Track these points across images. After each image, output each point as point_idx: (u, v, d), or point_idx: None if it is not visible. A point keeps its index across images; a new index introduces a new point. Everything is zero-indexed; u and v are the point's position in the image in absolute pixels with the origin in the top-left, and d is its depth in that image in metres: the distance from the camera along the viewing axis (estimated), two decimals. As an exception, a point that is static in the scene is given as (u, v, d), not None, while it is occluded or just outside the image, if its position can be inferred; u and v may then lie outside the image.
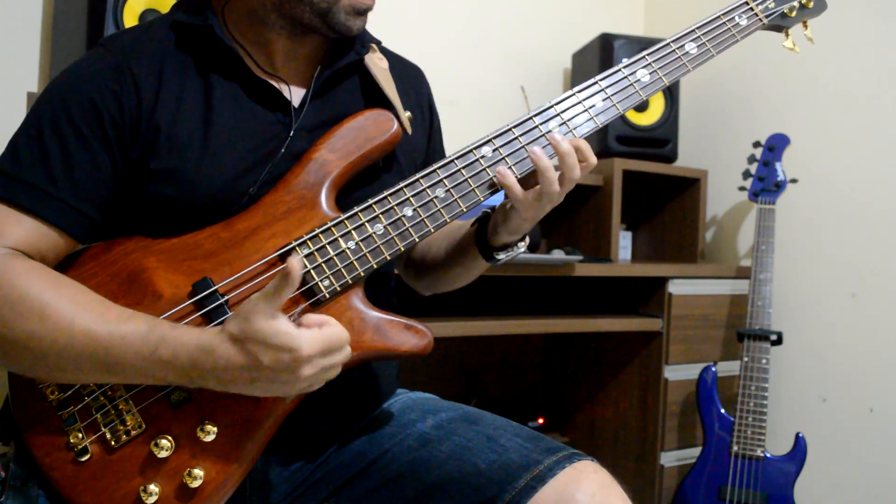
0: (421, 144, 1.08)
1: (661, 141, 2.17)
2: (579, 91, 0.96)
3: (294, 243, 0.86)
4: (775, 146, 2.00)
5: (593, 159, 0.93)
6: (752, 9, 1.03)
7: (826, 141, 2.01)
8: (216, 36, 0.89)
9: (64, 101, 0.85)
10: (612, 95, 0.96)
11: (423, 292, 1.19)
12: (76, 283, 0.82)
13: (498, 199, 0.97)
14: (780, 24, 1.06)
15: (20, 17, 1.64)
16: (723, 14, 1.02)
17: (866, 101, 1.92)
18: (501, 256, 1.00)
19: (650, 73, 0.97)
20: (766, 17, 1.03)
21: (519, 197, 0.91)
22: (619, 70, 0.97)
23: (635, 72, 0.97)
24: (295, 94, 0.95)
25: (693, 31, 1.00)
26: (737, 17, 1.02)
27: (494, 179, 0.91)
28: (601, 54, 2.14)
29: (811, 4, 1.06)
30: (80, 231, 0.85)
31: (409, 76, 1.10)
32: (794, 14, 1.05)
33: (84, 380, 0.81)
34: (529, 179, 0.92)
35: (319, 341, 0.76)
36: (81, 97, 0.85)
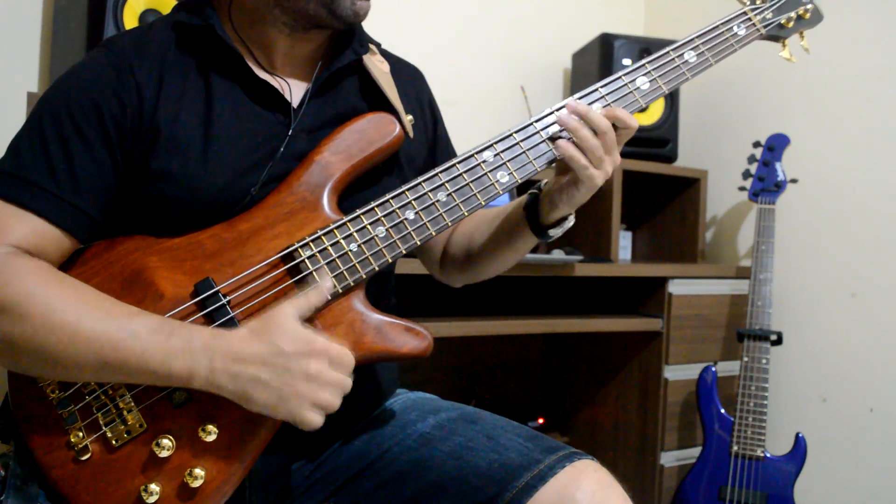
0: (422, 147, 1.08)
1: (661, 141, 2.17)
2: (580, 98, 0.96)
3: (296, 245, 0.86)
4: (775, 146, 2.00)
5: (633, 123, 0.94)
6: (750, 19, 1.04)
7: (826, 141, 2.01)
8: (217, 36, 0.90)
9: (66, 102, 0.85)
10: (612, 103, 0.96)
11: (459, 284, 1.19)
12: (80, 283, 0.82)
13: (502, 200, 0.97)
14: (777, 35, 1.08)
15: (20, 17, 1.64)
16: (722, 24, 1.02)
17: (866, 101, 1.93)
18: (555, 232, 1.02)
19: (650, 81, 0.98)
20: (764, 27, 1.05)
21: (583, 163, 0.92)
22: (620, 77, 0.98)
23: (635, 79, 0.98)
24: (295, 95, 0.95)
25: (693, 40, 1.01)
26: (735, 27, 1.03)
27: (555, 154, 0.93)
28: (601, 54, 2.14)
29: (808, 16, 1.07)
30: (81, 230, 0.85)
31: (410, 78, 1.10)
32: (790, 25, 1.07)
33: (84, 378, 0.81)
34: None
35: (331, 345, 0.81)
36: (83, 97, 0.85)
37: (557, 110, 0.95)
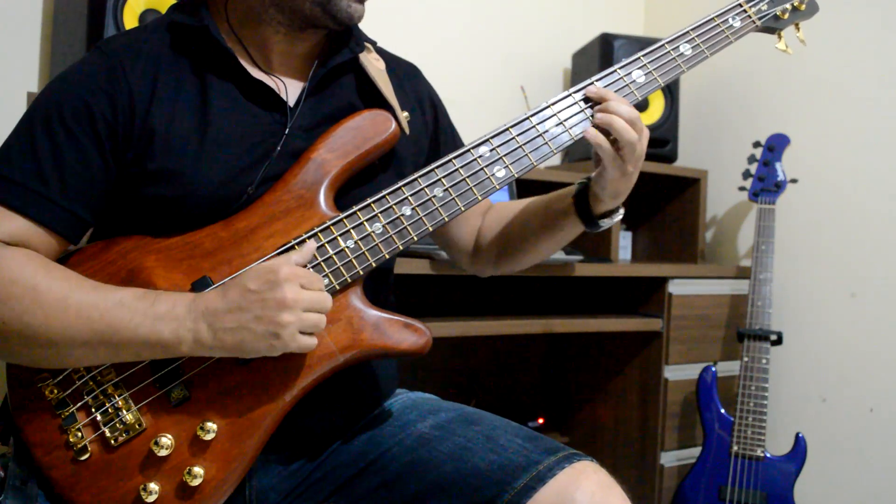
0: (421, 143, 1.08)
1: (661, 141, 2.17)
2: (575, 91, 0.97)
3: (293, 242, 0.86)
4: (775, 146, 2.00)
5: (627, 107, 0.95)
6: (745, 11, 1.04)
7: (826, 141, 2.01)
8: (212, 36, 0.90)
9: (57, 103, 0.86)
10: None
11: (490, 274, 1.20)
12: (66, 268, 0.83)
13: (502, 196, 0.97)
14: (772, 26, 1.08)
15: (20, 17, 1.64)
16: (717, 16, 1.03)
17: (866, 101, 1.92)
18: (605, 222, 1.04)
19: (645, 74, 0.99)
20: (759, 18, 1.05)
21: (609, 153, 0.95)
22: (615, 71, 0.98)
23: (631, 72, 0.98)
24: (291, 94, 0.95)
25: (687, 32, 1.01)
26: (730, 19, 1.03)
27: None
28: (601, 54, 2.14)
29: (803, 7, 1.08)
30: (70, 231, 0.86)
31: (407, 75, 1.10)
32: (786, 16, 1.06)
33: (76, 357, 0.81)
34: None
35: (297, 268, 0.81)
36: (74, 98, 0.86)
37: (561, 100, 0.96)
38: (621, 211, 1.05)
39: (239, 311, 0.79)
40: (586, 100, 0.97)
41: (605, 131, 0.95)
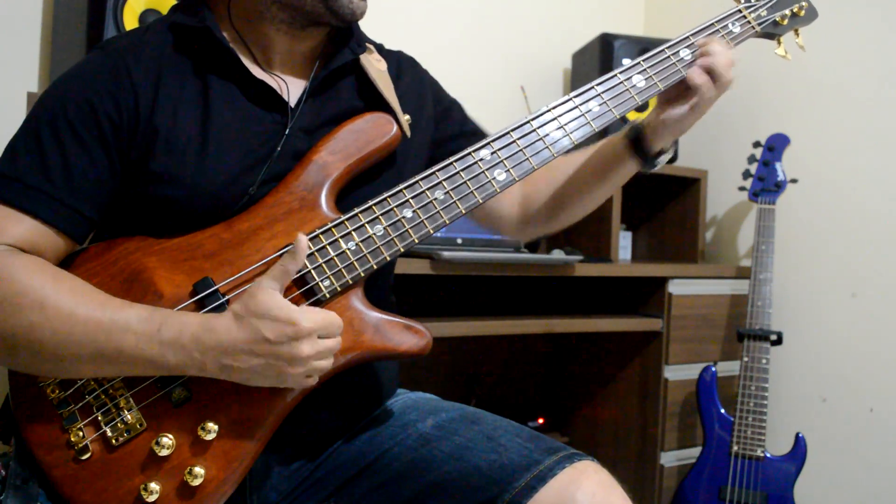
0: (423, 143, 1.08)
1: (661, 141, 2.17)
2: (576, 96, 0.98)
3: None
4: (775, 146, 2.00)
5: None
6: (745, 17, 1.05)
7: (826, 141, 2.01)
8: (213, 37, 0.90)
9: (62, 103, 0.86)
10: (608, 100, 0.98)
11: (540, 234, 1.23)
12: (75, 277, 0.83)
13: (501, 196, 0.96)
14: (772, 32, 1.09)
15: (20, 17, 1.64)
16: (717, 21, 1.04)
17: (866, 101, 1.93)
18: (661, 160, 1.08)
19: (645, 79, 0.99)
20: (759, 24, 1.05)
21: (714, 94, 1.01)
22: (616, 76, 0.99)
23: (631, 77, 0.99)
24: (292, 94, 0.95)
25: (688, 37, 1.02)
26: (730, 25, 1.04)
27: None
28: (601, 54, 2.13)
29: (802, 13, 1.08)
30: (78, 231, 0.86)
31: (407, 71, 1.09)
32: (785, 22, 1.07)
33: (82, 372, 0.81)
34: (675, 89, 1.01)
35: (319, 319, 0.80)
36: (79, 98, 0.86)
37: (562, 104, 0.96)
38: (671, 150, 1.08)
39: (250, 354, 0.78)
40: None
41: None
